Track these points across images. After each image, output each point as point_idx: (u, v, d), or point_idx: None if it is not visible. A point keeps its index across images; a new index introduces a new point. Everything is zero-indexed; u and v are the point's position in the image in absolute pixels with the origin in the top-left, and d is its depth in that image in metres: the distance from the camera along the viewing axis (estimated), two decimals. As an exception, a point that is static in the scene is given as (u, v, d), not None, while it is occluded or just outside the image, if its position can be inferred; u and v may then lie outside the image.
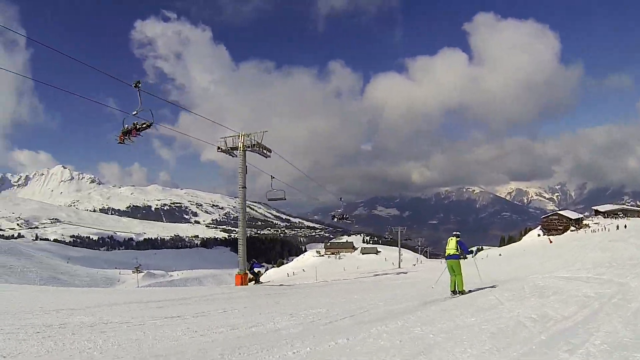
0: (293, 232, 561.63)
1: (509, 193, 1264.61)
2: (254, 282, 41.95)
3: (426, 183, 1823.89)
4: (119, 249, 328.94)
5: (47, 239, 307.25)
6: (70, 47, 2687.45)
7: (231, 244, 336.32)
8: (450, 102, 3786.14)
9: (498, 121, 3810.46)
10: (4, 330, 10.23)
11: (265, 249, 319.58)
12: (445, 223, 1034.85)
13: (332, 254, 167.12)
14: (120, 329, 11.03)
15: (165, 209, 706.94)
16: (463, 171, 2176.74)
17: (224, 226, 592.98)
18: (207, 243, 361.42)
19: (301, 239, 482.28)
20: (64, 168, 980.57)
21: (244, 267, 42.05)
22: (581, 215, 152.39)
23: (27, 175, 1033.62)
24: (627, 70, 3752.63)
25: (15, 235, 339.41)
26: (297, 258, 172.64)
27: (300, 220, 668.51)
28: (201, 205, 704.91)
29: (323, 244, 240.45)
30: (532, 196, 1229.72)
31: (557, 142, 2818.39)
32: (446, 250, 18.53)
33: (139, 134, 24.02)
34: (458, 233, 18.84)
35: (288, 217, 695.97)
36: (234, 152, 42.33)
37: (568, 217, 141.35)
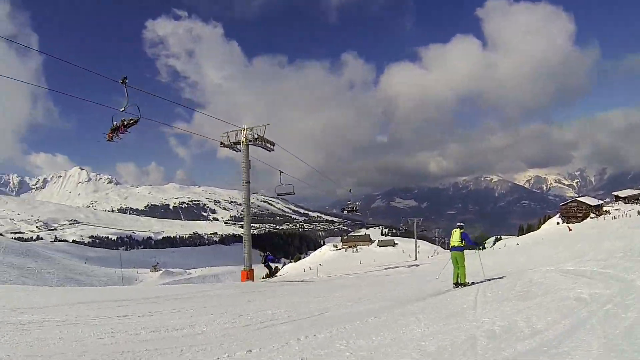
0: (312, 227, 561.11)
1: (528, 180, 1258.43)
2: (268, 275, 41.55)
3: (443, 173, 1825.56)
4: (137, 248, 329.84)
5: (65, 240, 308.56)
6: (82, 48, 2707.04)
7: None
8: (465, 89, 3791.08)
9: (513, 107, 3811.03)
10: None
11: (284, 244, 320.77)
12: (463, 213, 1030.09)
13: (349, 247, 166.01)
14: (44, 328, 10.93)
15: (183, 207, 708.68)
16: (480, 160, 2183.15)
17: (243, 222, 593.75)
18: (226, 240, 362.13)
19: (320, 233, 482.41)
20: (81, 169, 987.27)
21: (250, 263, 41.60)
22: (601, 202, 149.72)
23: (44, 178, 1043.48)
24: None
25: (34, 237, 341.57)
26: (314, 252, 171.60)
27: (318, 214, 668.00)
28: (219, 202, 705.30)
29: (340, 237, 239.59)
30: (551, 183, 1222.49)
31: (574, 127, 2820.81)
32: (450, 242, 18.66)
33: (127, 131, 23.83)
34: (462, 224, 18.89)
35: (306, 212, 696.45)
36: (237, 146, 41.84)
37: (587, 204, 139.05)
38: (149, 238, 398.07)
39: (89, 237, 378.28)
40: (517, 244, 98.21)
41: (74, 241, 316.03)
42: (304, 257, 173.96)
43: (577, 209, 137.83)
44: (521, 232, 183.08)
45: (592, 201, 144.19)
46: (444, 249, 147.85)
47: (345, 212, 60.02)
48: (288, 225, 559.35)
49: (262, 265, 42.62)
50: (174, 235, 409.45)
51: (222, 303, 16.77)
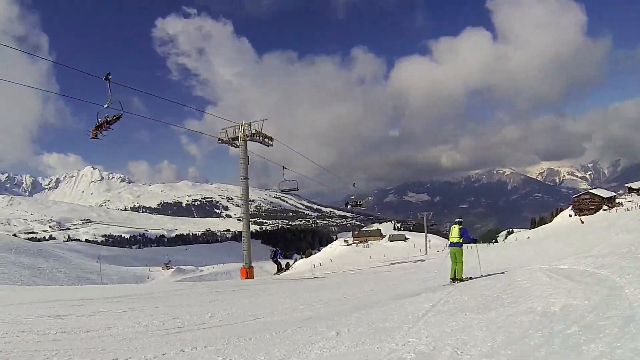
0: (324, 222, 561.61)
1: (540, 173, 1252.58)
2: (277, 272, 41.54)
3: (455, 167, 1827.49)
4: (150, 247, 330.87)
5: (78, 240, 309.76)
6: (92, 48, 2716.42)
7: (262, 236, 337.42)
8: (476, 82, 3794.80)
9: (525, 100, 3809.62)
10: None
11: (296, 240, 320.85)
12: (476, 207, 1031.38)
13: (360, 242, 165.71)
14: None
15: (196, 204, 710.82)
16: (492, 153, 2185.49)
17: (255, 219, 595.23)
18: (238, 236, 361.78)
19: (333, 229, 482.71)
20: (94, 169, 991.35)
21: (249, 261, 41.47)
22: (614, 194, 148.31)
23: (57, 178, 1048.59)
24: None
25: (47, 237, 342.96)
26: (325, 248, 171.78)
27: (331, 210, 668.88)
28: (232, 199, 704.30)
29: (352, 232, 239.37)
30: (564, 175, 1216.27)
31: (587, 118, 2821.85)
32: (449, 238, 18.73)
33: (110, 128, 23.74)
34: (460, 220, 18.96)
35: (319, 207, 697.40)
36: (235, 142, 41.66)
37: (600, 196, 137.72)
38: (162, 236, 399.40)
39: (102, 236, 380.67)
40: (528, 237, 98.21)
41: (86, 240, 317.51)
42: (316, 253, 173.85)
43: (589, 201, 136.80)
44: (533, 225, 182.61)
45: (604, 193, 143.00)
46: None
47: (349, 206, 59.71)
48: (301, 221, 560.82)
49: (272, 261, 42.59)
50: (187, 232, 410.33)
51: (180, 303, 16.27)
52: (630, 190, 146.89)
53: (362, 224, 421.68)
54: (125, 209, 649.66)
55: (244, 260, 41.98)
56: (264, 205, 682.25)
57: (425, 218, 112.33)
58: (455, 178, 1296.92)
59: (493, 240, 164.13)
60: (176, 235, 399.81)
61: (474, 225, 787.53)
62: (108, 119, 23.25)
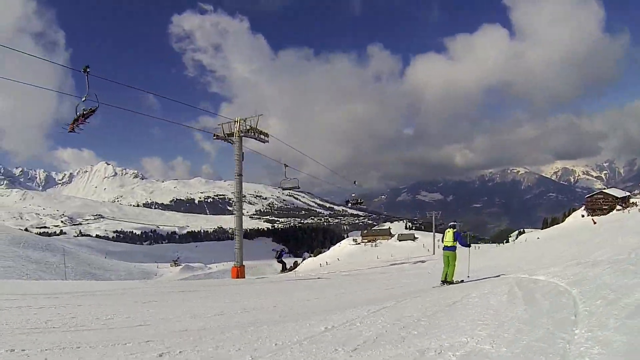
0: (336, 221, 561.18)
1: (555, 173, 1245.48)
2: (282, 271, 40.91)
3: (469, 166, 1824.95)
4: (162, 243, 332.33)
5: (88, 235, 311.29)
6: (109, 44, 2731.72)
7: (274, 234, 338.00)
8: (492, 80, 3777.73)
9: (541, 98, 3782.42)
10: None
11: (308, 238, 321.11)
12: (489, 206, 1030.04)
13: (369, 241, 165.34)
14: None
15: (208, 201, 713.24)
16: (507, 152, 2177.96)
17: (268, 216, 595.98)
18: (249, 234, 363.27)
19: (344, 227, 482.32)
20: (107, 164, 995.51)
21: (241, 259, 40.86)
22: (628, 193, 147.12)
23: (71, 173, 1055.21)
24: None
25: (58, 232, 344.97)
26: (334, 247, 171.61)
27: (343, 209, 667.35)
28: (244, 196, 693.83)
29: (360, 231, 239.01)
30: (579, 175, 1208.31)
31: (603, 117, 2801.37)
32: (443, 242, 19.05)
33: (86, 121, 23.27)
34: (454, 224, 19.26)
35: (332, 206, 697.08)
36: (231, 138, 41.03)
37: (614, 196, 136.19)
38: (174, 232, 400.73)
39: (114, 232, 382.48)
40: (538, 238, 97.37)
41: (97, 236, 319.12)
42: (325, 252, 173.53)
43: (602, 201, 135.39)
44: (545, 225, 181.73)
45: (618, 193, 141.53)
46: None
47: (350, 205, 59.04)
48: (313, 219, 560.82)
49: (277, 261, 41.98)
50: (199, 229, 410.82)
51: (113, 302, 15.83)
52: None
53: (374, 223, 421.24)
54: (138, 205, 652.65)
55: (235, 259, 41.26)
56: (276, 203, 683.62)
57: (433, 217, 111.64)
58: (469, 177, 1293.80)
59: (505, 241, 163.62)
60: (188, 232, 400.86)
61: (487, 225, 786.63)
62: (84, 112, 22.68)
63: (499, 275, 19.03)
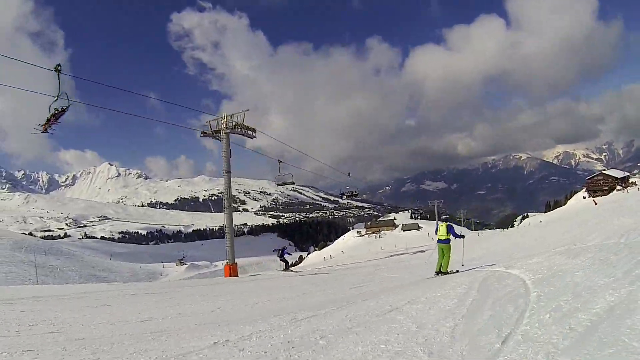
0: (342, 213, 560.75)
1: (556, 157, 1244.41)
2: (284, 269, 40.95)
3: (472, 154, 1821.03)
4: (167, 242, 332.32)
5: (93, 237, 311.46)
6: (108, 43, 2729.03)
7: (279, 229, 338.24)
8: (490, 69, 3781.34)
9: (539, 85, 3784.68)
10: None
11: (313, 232, 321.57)
12: (493, 192, 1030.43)
13: (373, 233, 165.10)
14: None
15: (213, 199, 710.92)
16: (508, 139, 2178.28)
17: (273, 212, 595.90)
18: (254, 230, 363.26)
19: (349, 220, 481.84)
20: (110, 165, 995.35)
21: (233, 257, 41.05)
22: (627, 174, 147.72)
23: (74, 175, 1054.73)
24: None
25: (62, 235, 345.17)
26: (338, 240, 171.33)
27: (348, 201, 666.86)
28: (249, 192, 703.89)
29: (363, 223, 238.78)
30: (579, 158, 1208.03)
31: (600, 101, 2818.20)
32: (438, 236, 19.65)
33: (58, 121, 23.42)
34: (447, 217, 20.12)
35: (336, 199, 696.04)
36: (218, 135, 41.19)
37: (613, 177, 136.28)
38: (179, 232, 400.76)
39: (119, 233, 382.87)
40: (540, 222, 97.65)
41: (102, 237, 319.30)
42: (329, 245, 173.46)
43: (603, 182, 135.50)
44: (548, 208, 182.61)
45: (618, 173, 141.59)
46: (471, 230, 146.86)
47: (344, 196, 59.06)
48: (318, 213, 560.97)
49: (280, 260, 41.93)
50: (204, 227, 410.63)
51: (61, 308, 15.64)
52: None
53: (380, 214, 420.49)
54: (142, 205, 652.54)
55: (227, 257, 41.48)
56: (281, 198, 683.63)
57: (436, 206, 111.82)
58: (472, 165, 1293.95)
59: (510, 226, 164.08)
60: (193, 230, 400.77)
61: (492, 211, 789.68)
62: (56, 112, 22.86)
63: (484, 266, 19.10)
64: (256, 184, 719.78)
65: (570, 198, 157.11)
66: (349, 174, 61.08)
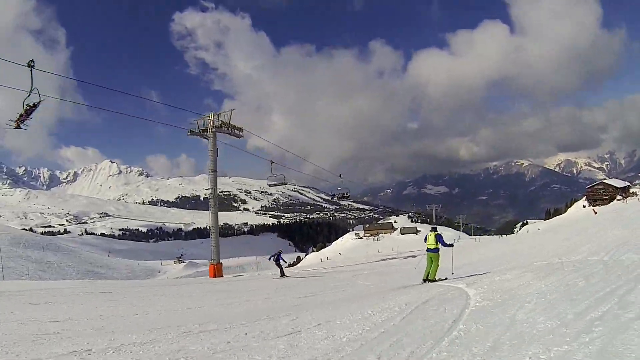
0: (342, 215, 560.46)
1: (558, 164, 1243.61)
2: (280, 275, 40.86)
3: (474, 158, 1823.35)
4: (167, 240, 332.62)
5: (93, 234, 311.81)
6: (110, 42, 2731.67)
7: (279, 229, 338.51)
8: (494, 75, 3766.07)
9: (542, 91, 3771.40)
10: None
11: (313, 233, 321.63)
12: (495, 198, 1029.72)
13: (371, 235, 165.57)
14: None
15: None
16: (510, 145, 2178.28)
17: (273, 212, 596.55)
18: (254, 230, 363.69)
19: (350, 221, 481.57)
20: (112, 162, 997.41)
21: (217, 257, 40.94)
22: (628, 184, 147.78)
23: (75, 172, 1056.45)
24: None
25: (61, 231, 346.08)
26: (336, 241, 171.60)
27: (349, 203, 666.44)
28: (249, 192, 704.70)
29: (362, 225, 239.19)
30: (581, 166, 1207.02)
31: (603, 109, 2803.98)
32: (427, 245, 20.21)
33: (30, 117, 23.53)
34: (435, 227, 21.09)
35: (337, 200, 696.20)
36: (205, 134, 41.25)
37: (614, 186, 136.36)
38: (179, 229, 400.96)
39: (119, 230, 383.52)
40: (539, 229, 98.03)
41: (102, 234, 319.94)
42: (327, 246, 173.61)
43: (603, 192, 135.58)
44: (548, 216, 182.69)
45: (618, 183, 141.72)
46: (470, 235, 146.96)
47: (335, 198, 59.23)
48: (318, 214, 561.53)
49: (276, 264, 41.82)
50: (205, 226, 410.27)
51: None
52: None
53: (380, 217, 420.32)
54: (143, 203, 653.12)
55: (212, 257, 41.41)
56: (282, 198, 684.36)
57: (434, 210, 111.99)
58: (474, 170, 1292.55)
59: (511, 232, 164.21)
60: (193, 228, 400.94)
61: (493, 217, 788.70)
62: (27, 107, 22.93)
63: (463, 277, 19.20)
64: (257, 184, 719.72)
65: (570, 206, 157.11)
66: (340, 175, 61.01)
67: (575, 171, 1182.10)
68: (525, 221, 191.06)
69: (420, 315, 10.78)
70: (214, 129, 40.73)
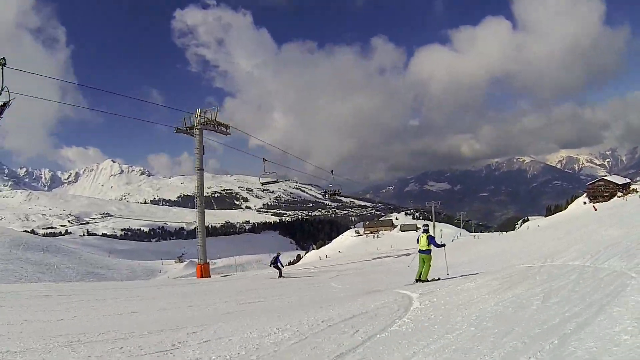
0: (344, 212, 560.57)
1: (560, 161, 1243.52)
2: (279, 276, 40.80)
3: (476, 155, 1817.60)
4: (170, 239, 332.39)
5: (94, 234, 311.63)
6: (110, 40, 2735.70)
7: (280, 227, 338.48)
8: (496, 71, 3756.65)
9: (545, 88, 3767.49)
10: None
11: (314, 230, 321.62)
12: (496, 195, 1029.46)
13: (371, 233, 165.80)
14: None
15: (215, 196, 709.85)
16: (512, 141, 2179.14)
17: (275, 210, 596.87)
18: (256, 228, 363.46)
19: (352, 219, 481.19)
20: (113, 162, 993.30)
21: (205, 257, 40.97)
22: (628, 180, 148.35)
23: (76, 172, 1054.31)
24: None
25: (63, 232, 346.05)
26: (336, 239, 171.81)
27: (351, 200, 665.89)
28: (251, 190, 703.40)
29: (362, 223, 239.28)
30: (582, 163, 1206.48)
31: (605, 107, 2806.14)
32: (419, 246, 20.39)
33: (1, 117, 23.24)
34: (427, 228, 21.62)
35: (339, 198, 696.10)
36: (192, 131, 41.22)
37: (614, 183, 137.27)
38: (181, 229, 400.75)
39: (121, 230, 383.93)
40: (538, 226, 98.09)
41: (103, 234, 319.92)
42: (327, 244, 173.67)
43: (604, 188, 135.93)
44: (549, 212, 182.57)
45: (619, 180, 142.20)
46: (470, 232, 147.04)
47: (326, 195, 59.09)
48: (320, 211, 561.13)
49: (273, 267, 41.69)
50: (207, 225, 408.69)
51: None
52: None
53: (382, 214, 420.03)
54: (145, 202, 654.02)
55: (199, 257, 41.46)
56: (284, 196, 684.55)
57: (433, 207, 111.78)
58: (476, 166, 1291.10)
59: (512, 228, 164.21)
60: (195, 227, 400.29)
61: (495, 213, 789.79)
62: None
63: (447, 279, 19.42)
64: (258, 182, 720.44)
65: (571, 203, 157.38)
66: (332, 172, 60.69)
67: (577, 168, 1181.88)
68: (526, 218, 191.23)
69: (324, 336, 9.83)
70: (200, 126, 40.61)
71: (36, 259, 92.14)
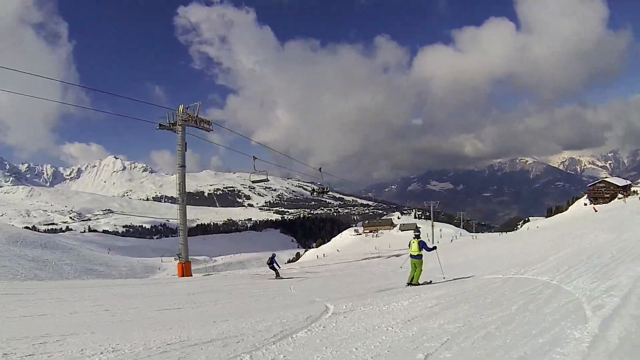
0: (346, 211, 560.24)
1: (562, 162, 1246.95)
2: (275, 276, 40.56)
3: (479, 155, 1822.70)
4: (171, 236, 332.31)
5: (95, 231, 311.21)
6: (113, 36, 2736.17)
7: (282, 225, 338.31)
8: (499, 72, 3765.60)
9: (548, 90, 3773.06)
10: None
11: (316, 229, 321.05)
12: (499, 195, 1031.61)
13: (370, 232, 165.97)
14: None
15: (218, 194, 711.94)
16: (515, 142, 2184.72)
17: (277, 208, 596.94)
18: (257, 226, 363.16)
19: (354, 217, 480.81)
20: (116, 158, 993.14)
21: (187, 255, 40.73)
22: (629, 182, 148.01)
23: (79, 168, 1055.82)
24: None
25: (64, 228, 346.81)
26: (335, 237, 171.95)
27: (353, 199, 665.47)
28: (254, 188, 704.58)
29: (362, 222, 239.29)
30: (585, 165, 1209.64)
31: (607, 108, 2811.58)
32: (410, 251, 20.62)
33: None
34: (418, 234, 20.89)
35: (342, 196, 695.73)
36: (174, 127, 41.04)
37: (615, 185, 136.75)
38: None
39: (123, 227, 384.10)
40: (537, 227, 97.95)
41: (104, 231, 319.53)
42: (327, 243, 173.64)
43: (604, 190, 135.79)
44: (550, 213, 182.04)
45: (619, 182, 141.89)
46: (471, 232, 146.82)
47: (315, 193, 58.94)
48: (322, 210, 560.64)
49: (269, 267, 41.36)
50: (209, 222, 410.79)
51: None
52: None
53: (384, 213, 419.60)
54: (148, 199, 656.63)
55: (180, 255, 41.09)
56: (286, 194, 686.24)
57: (431, 207, 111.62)
58: (479, 166, 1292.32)
59: (514, 228, 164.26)
60: (197, 225, 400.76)
61: (497, 214, 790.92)
62: None
63: (436, 282, 20.02)
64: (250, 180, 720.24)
65: (572, 204, 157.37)
66: (320, 169, 59.99)
67: (579, 169, 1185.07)
68: (527, 218, 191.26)
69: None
70: (182, 123, 40.42)
71: (34, 255, 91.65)
